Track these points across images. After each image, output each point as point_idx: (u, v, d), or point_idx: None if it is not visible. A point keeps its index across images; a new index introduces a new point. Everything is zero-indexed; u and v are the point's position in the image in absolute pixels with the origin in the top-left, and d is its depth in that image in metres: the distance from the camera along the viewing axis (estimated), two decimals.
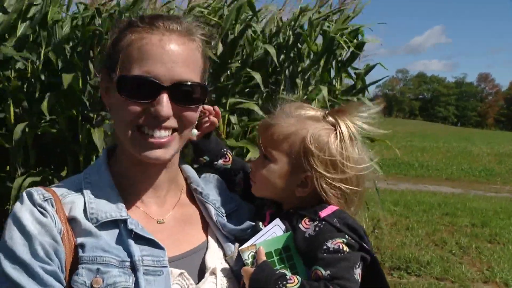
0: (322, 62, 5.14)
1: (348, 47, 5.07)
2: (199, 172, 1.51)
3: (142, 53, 1.19)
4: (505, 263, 7.04)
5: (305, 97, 5.14)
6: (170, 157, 1.28)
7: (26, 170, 4.30)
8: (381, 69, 5.87)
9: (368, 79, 5.86)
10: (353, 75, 5.94)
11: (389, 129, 1.48)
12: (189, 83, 1.22)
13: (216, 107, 1.52)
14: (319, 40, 5.22)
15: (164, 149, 1.24)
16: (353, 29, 5.41)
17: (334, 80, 5.69)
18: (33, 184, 4.21)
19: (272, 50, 4.55)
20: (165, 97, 1.19)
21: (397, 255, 7.07)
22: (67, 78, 3.89)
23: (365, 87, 5.81)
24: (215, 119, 1.51)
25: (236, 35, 4.61)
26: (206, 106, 1.49)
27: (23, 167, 4.36)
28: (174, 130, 1.25)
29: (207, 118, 1.50)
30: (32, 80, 4.30)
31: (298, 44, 5.05)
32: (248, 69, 4.57)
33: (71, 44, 4.38)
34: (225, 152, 1.55)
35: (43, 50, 4.29)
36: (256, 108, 4.41)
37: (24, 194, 1.21)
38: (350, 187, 1.31)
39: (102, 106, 4.15)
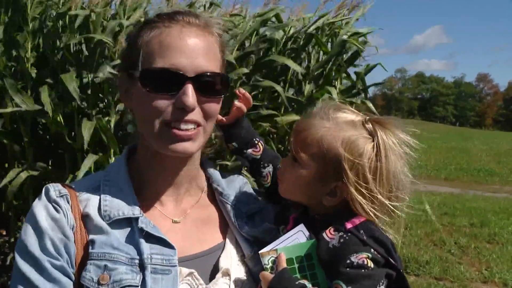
0: (329, 64, 5.16)
1: (356, 49, 5.09)
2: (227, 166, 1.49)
3: (163, 46, 1.19)
4: (504, 263, 7.06)
5: (310, 97, 5.15)
6: (196, 151, 1.27)
7: (25, 166, 4.27)
8: (381, 68, 5.86)
9: (368, 78, 5.86)
10: (353, 75, 5.94)
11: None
12: (212, 73, 1.22)
13: (246, 93, 1.47)
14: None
15: (190, 142, 1.23)
16: (356, 31, 5.43)
17: (333, 81, 5.70)
18: (30, 180, 4.20)
19: (292, 65, 4.58)
20: (190, 88, 1.18)
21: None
22: (67, 78, 3.86)
23: (365, 87, 5.80)
24: (241, 105, 1.45)
25: (251, 44, 4.64)
26: (241, 90, 1.47)
27: (21, 164, 4.34)
28: (198, 124, 1.24)
29: (236, 103, 1.45)
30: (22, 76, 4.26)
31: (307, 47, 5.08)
32: (270, 82, 4.58)
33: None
34: (256, 142, 1.48)
35: (29, 45, 4.25)
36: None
37: (43, 190, 1.24)
38: (381, 202, 1.23)
39: (98, 101, 4.14)
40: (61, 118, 4.03)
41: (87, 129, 3.78)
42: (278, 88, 4.52)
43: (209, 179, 1.45)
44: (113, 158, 3.97)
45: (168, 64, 1.18)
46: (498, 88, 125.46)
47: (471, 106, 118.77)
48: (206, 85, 1.22)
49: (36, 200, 1.23)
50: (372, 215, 1.22)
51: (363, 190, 1.21)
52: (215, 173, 1.46)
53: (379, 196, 1.22)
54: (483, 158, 22.14)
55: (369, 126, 1.25)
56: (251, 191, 1.48)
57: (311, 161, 1.25)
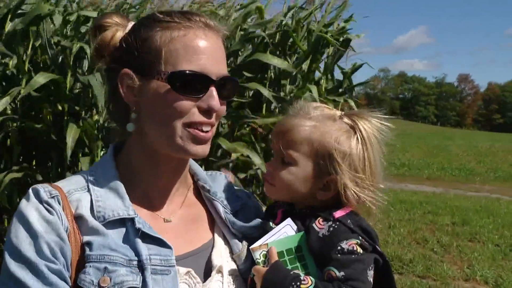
0: (308, 61, 5.16)
1: (334, 46, 5.09)
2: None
3: (190, 48, 1.20)
4: (485, 261, 7.17)
5: (292, 95, 5.16)
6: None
7: (10, 166, 4.22)
8: (365, 68, 5.92)
9: (354, 77, 5.88)
10: (339, 75, 5.97)
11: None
12: (229, 77, 1.26)
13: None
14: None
15: (207, 144, 1.27)
16: (339, 28, 5.45)
17: (321, 79, 5.71)
18: (15, 180, 4.15)
19: (280, 63, 4.58)
20: (214, 91, 1.22)
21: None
22: (43, 77, 3.81)
23: (352, 86, 5.84)
24: None
25: (236, 41, 4.63)
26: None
27: (7, 163, 4.28)
28: (213, 126, 1.27)
29: None
30: (19, 76, 4.21)
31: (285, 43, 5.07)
32: (256, 83, 4.58)
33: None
34: None
35: (30, 45, 4.21)
36: (247, 112, 4.40)
37: (30, 191, 1.19)
38: (367, 191, 1.30)
39: (90, 102, 4.11)
40: (50, 118, 4.00)
41: (72, 135, 3.74)
42: (265, 92, 4.53)
43: (193, 176, 1.46)
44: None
45: (196, 66, 1.19)
46: (478, 88, 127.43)
47: (452, 106, 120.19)
48: (224, 88, 1.26)
49: (24, 201, 1.18)
50: (362, 201, 1.30)
51: (356, 180, 1.28)
52: (199, 169, 1.47)
53: (370, 183, 1.30)
54: (464, 157, 22.47)
55: (347, 119, 1.32)
56: (233, 188, 1.51)
57: (304, 158, 1.30)
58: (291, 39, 5.01)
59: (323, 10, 5.45)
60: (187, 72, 1.19)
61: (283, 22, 5.03)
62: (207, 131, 1.24)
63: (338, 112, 1.36)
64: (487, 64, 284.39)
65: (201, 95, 1.21)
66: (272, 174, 1.37)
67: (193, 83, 1.20)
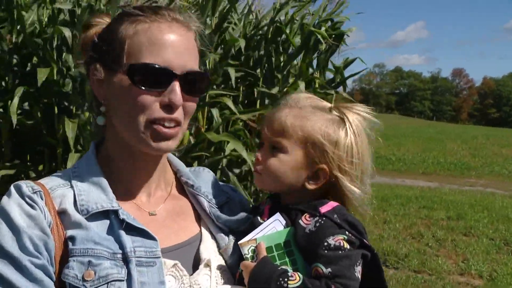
0: (301, 56, 5.15)
1: (326, 41, 5.08)
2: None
3: (153, 41, 1.18)
4: (479, 255, 7.21)
5: (285, 90, 5.16)
6: (175, 148, 1.28)
7: (2, 162, 4.18)
8: (359, 65, 5.94)
9: (348, 73, 5.90)
10: (333, 69, 5.98)
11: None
12: (197, 72, 1.24)
13: None
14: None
15: (172, 140, 1.24)
16: (332, 23, 5.45)
17: (315, 73, 5.71)
18: (8, 177, 4.11)
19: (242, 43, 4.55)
20: (177, 86, 1.19)
21: (375, 248, 7.13)
22: (43, 73, 3.76)
23: (344, 80, 5.84)
24: None
25: (213, 27, 4.57)
26: None
27: None
28: (179, 123, 1.24)
29: None
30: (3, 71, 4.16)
31: (278, 38, 5.05)
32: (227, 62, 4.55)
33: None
34: None
35: (13, 38, 4.16)
36: (230, 103, 4.36)
37: (12, 187, 1.18)
38: (356, 183, 1.31)
39: (82, 97, 4.06)
40: (40, 114, 3.95)
41: (70, 129, 3.71)
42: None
43: (176, 172, 1.46)
44: None
45: (158, 60, 1.17)
46: (473, 83, 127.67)
47: (447, 100, 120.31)
48: (191, 84, 1.23)
49: (5, 197, 1.17)
50: (352, 194, 1.31)
51: (345, 171, 1.29)
52: (181, 166, 1.47)
53: (358, 175, 1.31)
54: (459, 152, 22.51)
55: (337, 111, 1.33)
56: (218, 183, 1.52)
57: (294, 147, 1.30)
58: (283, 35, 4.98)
59: (316, 5, 5.44)
60: (148, 64, 1.17)
61: (275, 19, 5.00)
62: (170, 127, 1.21)
63: (329, 104, 1.37)
64: (482, 59, 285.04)
65: (162, 90, 1.19)
66: (261, 163, 1.36)
67: (154, 77, 1.18)
